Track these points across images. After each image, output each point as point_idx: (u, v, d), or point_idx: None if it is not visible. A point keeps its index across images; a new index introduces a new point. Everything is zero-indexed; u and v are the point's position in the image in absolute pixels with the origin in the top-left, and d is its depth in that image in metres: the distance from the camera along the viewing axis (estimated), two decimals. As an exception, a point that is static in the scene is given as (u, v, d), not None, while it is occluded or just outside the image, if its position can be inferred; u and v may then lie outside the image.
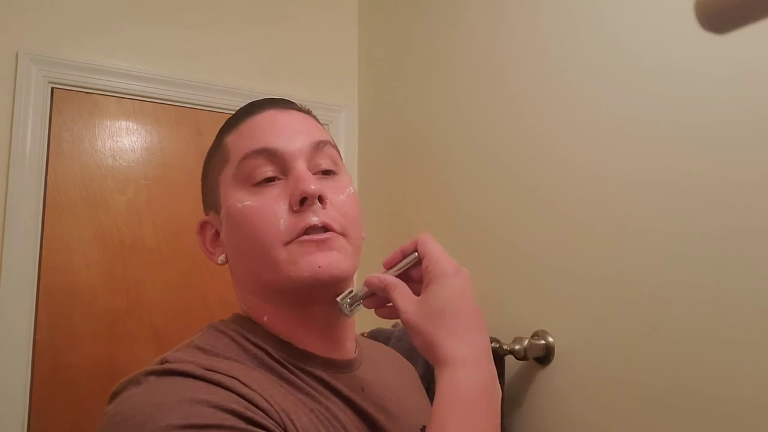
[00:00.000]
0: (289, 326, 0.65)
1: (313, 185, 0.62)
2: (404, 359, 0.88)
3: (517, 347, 1.10)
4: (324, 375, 0.64)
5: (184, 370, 0.55)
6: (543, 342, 1.10)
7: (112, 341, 1.55)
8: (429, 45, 1.59)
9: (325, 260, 0.61)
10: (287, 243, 0.61)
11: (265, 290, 0.65)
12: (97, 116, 1.62)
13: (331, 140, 0.69)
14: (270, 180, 0.64)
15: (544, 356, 1.10)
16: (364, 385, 0.67)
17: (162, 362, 0.59)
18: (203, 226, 0.71)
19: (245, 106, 0.71)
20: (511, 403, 1.15)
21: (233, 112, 0.72)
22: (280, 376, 0.61)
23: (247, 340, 0.64)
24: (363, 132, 1.92)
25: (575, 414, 1.04)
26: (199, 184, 0.74)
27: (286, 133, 0.66)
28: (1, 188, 1.47)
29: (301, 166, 0.63)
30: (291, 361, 0.63)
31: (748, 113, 0.82)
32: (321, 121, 0.75)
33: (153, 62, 1.69)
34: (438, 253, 0.60)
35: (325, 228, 0.62)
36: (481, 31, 1.38)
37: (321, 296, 0.64)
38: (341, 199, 0.65)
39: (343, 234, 0.64)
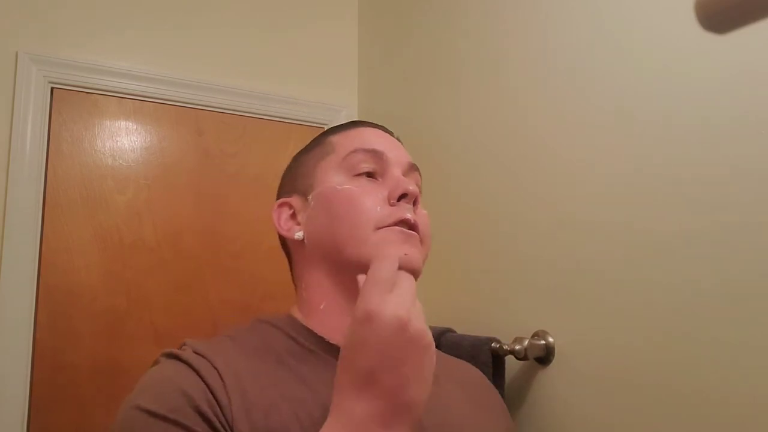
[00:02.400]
0: (342, 315, 0.67)
1: (414, 188, 0.69)
2: (482, 378, 0.87)
3: (517, 347, 1.10)
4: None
5: (177, 354, 0.64)
6: (543, 342, 1.10)
7: (112, 341, 1.55)
8: (429, 45, 1.59)
9: (412, 250, 0.66)
10: (379, 228, 0.67)
11: (339, 268, 0.69)
12: (97, 116, 1.62)
13: (419, 168, 0.78)
14: (369, 174, 0.71)
15: (544, 356, 1.10)
16: None
17: (181, 345, 0.68)
18: (281, 205, 0.77)
19: (353, 121, 0.81)
20: (511, 403, 1.15)
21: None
22: (295, 371, 0.65)
23: (285, 334, 0.70)
24: (363, 132, 1.91)
25: (575, 414, 1.04)
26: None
27: (391, 146, 0.75)
28: (0, 188, 1.47)
29: (399, 173, 0.72)
30: (317, 351, 0.67)
31: (748, 113, 0.82)
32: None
33: (153, 62, 1.69)
34: (370, 281, 0.54)
35: (414, 227, 0.68)
36: (481, 31, 1.38)
37: None
38: (425, 213, 0.73)
39: (421, 239, 0.69)
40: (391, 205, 0.68)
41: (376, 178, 0.71)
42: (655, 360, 0.92)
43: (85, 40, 1.61)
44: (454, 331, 1.23)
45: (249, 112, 1.79)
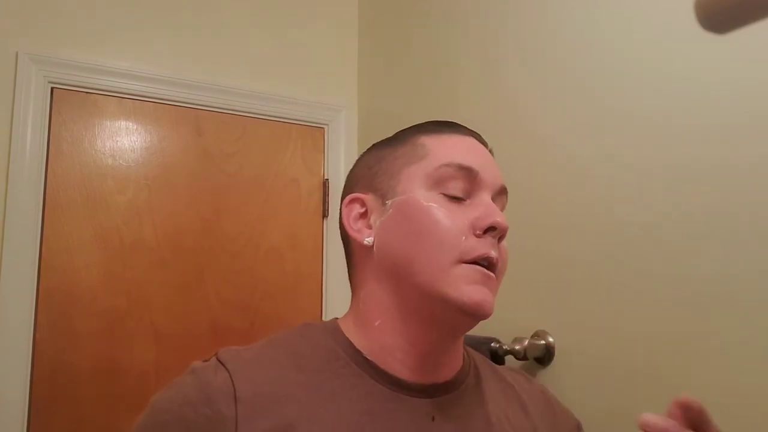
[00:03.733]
0: (395, 336, 0.64)
1: (504, 220, 0.63)
2: (548, 398, 0.79)
3: (517, 347, 1.10)
4: (386, 393, 0.62)
5: (195, 370, 0.62)
6: (543, 342, 1.10)
7: (112, 341, 1.55)
8: (429, 45, 1.59)
9: (487, 298, 0.62)
10: (460, 262, 0.61)
11: (406, 290, 0.64)
12: (97, 116, 1.62)
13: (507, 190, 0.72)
14: (458, 199, 0.64)
15: (544, 356, 1.10)
16: (438, 415, 0.64)
17: (215, 355, 0.64)
18: (353, 200, 0.70)
19: (446, 122, 0.73)
20: (511, 403, 1.15)
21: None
22: (338, 384, 0.62)
23: (331, 346, 0.65)
24: (363, 132, 1.92)
25: (575, 414, 1.04)
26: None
27: (487, 165, 0.67)
28: (1, 188, 1.47)
29: (489, 198, 0.65)
30: (362, 374, 0.63)
31: (748, 113, 0.82)
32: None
33: (153, 62, 1.69)
34: None
35: (493, 267, 0.63)
36: (482, 31, 1.38)
37: (456, 324, 0.65)
38: (505, 245, 0.67)
39: (497, 277, 0.64)
40: (476, 236, 0.62)
41: (463, 199, 0.65)
42: (655, 360, 0.92)
43: (85, 40, 1.61)
44: (454, 331, 1.23)
45: (249, 112, 1.79)
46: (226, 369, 0.60)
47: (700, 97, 0.89)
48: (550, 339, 1.10)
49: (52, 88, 1.56)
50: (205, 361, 0.64)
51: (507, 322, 1.18)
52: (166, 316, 1.62)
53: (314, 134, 1.89)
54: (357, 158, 0.77)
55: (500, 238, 0.64)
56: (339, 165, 1.90)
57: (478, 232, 0.62)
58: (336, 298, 1.82)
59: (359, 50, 1.98)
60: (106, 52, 1.63)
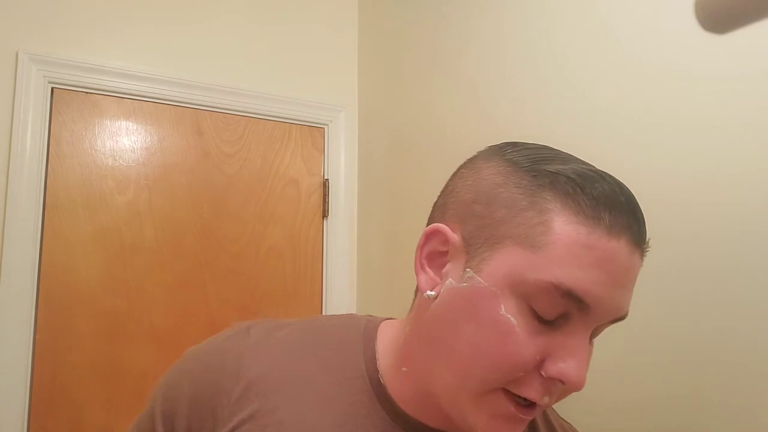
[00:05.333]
0: (413, 391, 0.57)
1: (581, 377, 0.49)
2: None
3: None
4: (385, 423, 0.57)
5: (229, 333, 0.63)
6: (543, 342, 1.10)
7: (112, 341, 1.55)
8: (429, 44, 1.59)
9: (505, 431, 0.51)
10: (496, 390, 0.50)
11: (436, 374, 0.53)
12: (97, 116, 1.62)
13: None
14: (547, 322, 0.49)
15: (544, 356, 1.10)
16: None
17: (248, 325, 0.64)
18: (437, 233, 0.55)
19: (604, 197, 0.50)
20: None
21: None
22: (346, 402, 0.57)
23: (354, 360, 0.60)
24: (363, 132, 1.92)
25: (575, 414, 1.04)
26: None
27: (615, 294, 0.50)
28: (1, 188, 1.47)
29: (585, 338, 0.51)
30: (376, 404, 0.57)
31: (749, 112, 0.82)
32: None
33: (153, 62, 1.69)
34: None
35: (530, 410, 0.51)
36: (482, 31, 1.38)
37: None
38: (579, 377, 0.51)
39: (537, 412, 0.53)
40: (540, 374, 0.49)
41: (554, 321, 0.49)
42: (655, 361, 0.92)
43: (85, 40, 1.61)
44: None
45: (249, 112, 1.79)
46: (247, 343, 0.60)
47: (701, 96, 0.88)
48: (550, 339, 1.09)
49: (52, 88, 1.56)
50: (240, 326, 0.64)
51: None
52: (166, 317, 1.62)
53: (314, 134, 1.89)
54: (480, 163, 0.57)
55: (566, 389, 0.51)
56: (339, 165, 1.90)
57: (543, 373, 0.49)
58: (336, 299, 1.82)
59: (359, 50, 1.98)
60: (106, 52, 1.63)
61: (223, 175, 1.74)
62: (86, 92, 1.61)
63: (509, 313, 0.48)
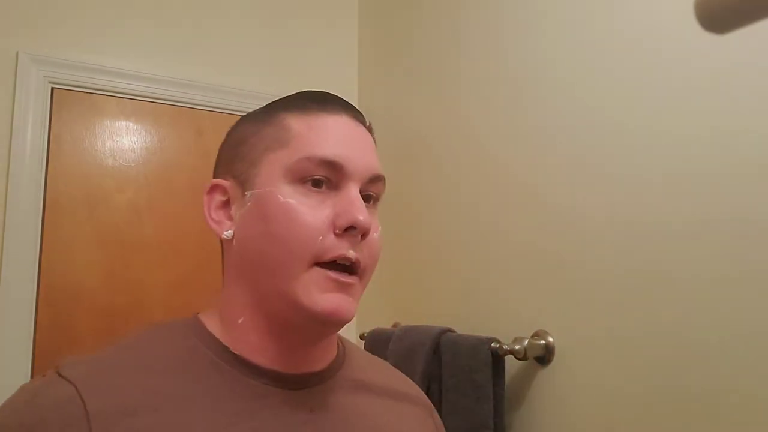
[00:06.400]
0: (259, 334, 0.61)
1: (366, 218, 0.58)
2: (421, 399, 0.76)
3: (517, 347, 1.10)
4: (259, 388, 0.59)
5: (26, 389, 0.56)
6: (543, 342, 1.10)
7: (112, 341, 1.55)
8: (429, 45, 1.59)
9: (342, 304, 0.58)
10: (313, 264, 0.58)
11: (264, 292, 0.60)
12: (97, 116, 1.62)
13: (384, 176, 0.65)
14: (318, 183, 0.59)
15: (544, 356, 1.10)
16: (316, 405, 0.61)
17: (54, 369, 0.57)
18: (214, 188, 0.65)
19: (317, 95, 0.67)
20: (511, 403, 1.15)
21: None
22: (203, 385, 0.58)
23: (192, 344, 0.61)
24: (363, 132, 1.91)
25: (575, 414, 1.04)
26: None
27: (356, 152, 0.61)
28: (1, 188, 1.47)
29: (355, 192, 0.60)
30: (231, 371, 0.59)
31: (748, 111, 0.82)
32: None
33: (153, 62, 1.69)
34: None
35: (353, 268, 0.59)
36: (482, 31, 1.38)
37: (315, 331, 0.61)
38: (374, 237, 0.61)
39: (361, 277, 0.60)
40: (336, 234, 0.58)
41: (327, 189, 0.60)
42: (655, 360, 0.92)
43: (85, 40, 1.61)
44: (454, 331, 1.23)
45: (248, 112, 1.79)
46: (71, 383, 0.53)
47: (701, 96, 0.89)
48: (550, 339, 1.10)
49: (52, 88, 1.56)
50: (43, 377, 0.56)
51: (507, 322, 1.18)
52: (166, 315, 1.62)
53: (314, 134, 1.88)
54: (226, 134, 0.70)
55: (363, 235, 0.59)
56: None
57: (337, 231, 0.58)
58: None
59: (359, 50, 1.98)
60: (106, 52, 1.63)
61: (223, 174, 1.74)
62: (86, 92, 1.61)
63: (287, 197, 0.59)
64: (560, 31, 1.16)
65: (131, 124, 1.66)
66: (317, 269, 0.58)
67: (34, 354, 1.46)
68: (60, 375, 0.55)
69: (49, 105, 1.55)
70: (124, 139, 1.65)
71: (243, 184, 0.62)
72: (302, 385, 0.61)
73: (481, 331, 1.18)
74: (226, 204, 0.64)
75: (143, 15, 1.69)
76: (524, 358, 1.10)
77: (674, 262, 0.90)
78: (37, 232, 1.50)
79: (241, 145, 0.65)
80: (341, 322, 0.59)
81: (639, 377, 0.94)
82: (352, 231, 0.58)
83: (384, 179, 0.64)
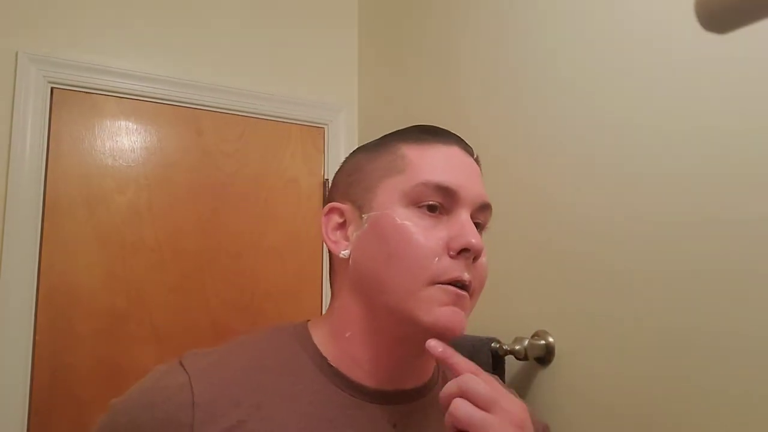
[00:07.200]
0: (364, 349, 0.65)
1: (478, 241, 0.62)
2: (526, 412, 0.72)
3: (517, 347, 1.10)
4: (349, 399, 0.63)
5: (155, 373, 0.65)
6: (543, 342, 1.10)
7: (112, 341, 1.55)
8: (429, 45, 1.59)
9: (457, 319, 0.61)
10: (431, 284, 0.61)
11: (378, 308, 0.64)
12: (96, 116, 1.62)
13: (491, 206, 0.69)
14: (432, 208, 0.63)
15: (544, 356, 1.10)
16: (400, 423, 0.64)
17: (179, 357, 0.65)
18: (332, 210, 0.70)
19: (430, 128, 0.73)
20: (511, 403, 1.15)
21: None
22: (301, 389, 0.62)
23: (296, 350, 0.66)
24: (363, 132, 1.92)
25: (575, 414, 1.04)
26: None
27: (468, 181, 0.66)
28: (1, 188, 1.47)
29: (467, 216, 0.64)
30: (326, 381, 0.64)
31: (748, 111, 0.82)
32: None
33: (153, 62, 1.69)
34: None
35: (466, 288, 0.62)
36: (482, 31, 1.38)
37: (423, 345, 0.62)
38: (483, 261, 0.65)
39: (471, 295, 0.64)
40: (451, 256, 0.61)
41: (440, 214, 0.64)
42: (655, 360, 0.92)
43: (85, 40, 1.61)
44: (454, 331, 1.23)
45: (248, 112, 1.79)
46: (187, 373, 0.61)
47: (701, 95, 0.89)
48: (550, 339, 1.10)
49: (52, 88, 1.56)
50: (168, 364, 0.64)
51: (507, 322, 1.18)
52: (166, 317, 1.62)
53: (314, 134, 1.89)
54: (341, 163, 0.76)
55: (475, 258, 0.63)
56: (339, 165, 1.89)
57: (452, 252, 0.61)
58: (336, 298, 1.81)
59: (359, 50, 1.98)
60: (106, 52, 1.63)
61: (222, 174, 1.74)
62: (86, 92, 1.61)
63: (404, 219, 0.63)
64: (561, 31, 1.16)
65: (131, 124, 1.66)
66: (436, 286, 0.61)
67: (33, 354, 1.46)
68: (181, 364, 0.63)
69: (49, 105, 1.55)
70: (123, 139, 1.64)
71: (360, 207, 0.67)
72: (389, 401, 0.64)
73: (481, 332, 1.18)
74: (343, 225, 0.69)
75: (143, 15, 1.69)
76: (524, 358, 1.10)
77: (675, 262, 0.90)
78: (36, 233, 1.50)
79: (356, 172, 0.70)
80: (454, 335, 0.61)
81: (639, 377, 0.94)
82: (465, 253, 0.62)
83: (491, 208, 0.68)
